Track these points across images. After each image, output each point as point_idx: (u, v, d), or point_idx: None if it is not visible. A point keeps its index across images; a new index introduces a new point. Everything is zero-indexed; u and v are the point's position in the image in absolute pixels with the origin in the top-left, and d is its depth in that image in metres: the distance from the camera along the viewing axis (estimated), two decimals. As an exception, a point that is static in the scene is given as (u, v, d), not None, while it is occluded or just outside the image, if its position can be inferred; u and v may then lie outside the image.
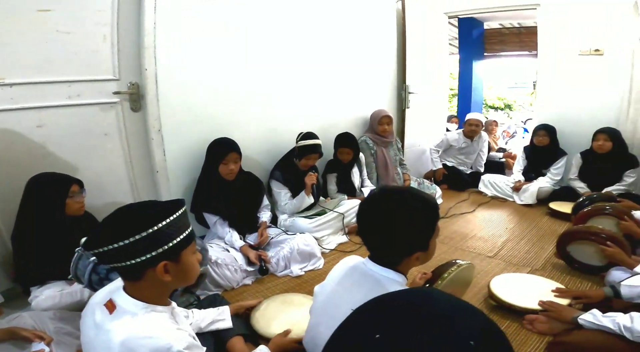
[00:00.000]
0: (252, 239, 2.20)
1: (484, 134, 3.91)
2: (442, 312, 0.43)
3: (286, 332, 1.41)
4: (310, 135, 2.47)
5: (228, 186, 2.16)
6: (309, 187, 2.43)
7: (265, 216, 2.34)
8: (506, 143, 5.17)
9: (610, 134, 2.93)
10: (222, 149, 2.12)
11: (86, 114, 1.90)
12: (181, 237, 0.85)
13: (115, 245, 0.78)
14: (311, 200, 2.49)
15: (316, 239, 2.30)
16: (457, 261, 1.43)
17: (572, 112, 3.38)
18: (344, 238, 2.52)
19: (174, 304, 0.97)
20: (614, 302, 1.53)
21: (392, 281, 1.00)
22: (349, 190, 2.84)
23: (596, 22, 3.17)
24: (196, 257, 0.92)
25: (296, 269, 2.09)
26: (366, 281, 1.02)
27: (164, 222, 0.81)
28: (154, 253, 0.81)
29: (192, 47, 2.16)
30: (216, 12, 2.25)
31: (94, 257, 1.16)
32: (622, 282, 1.49)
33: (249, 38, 2.43)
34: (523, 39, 5.59)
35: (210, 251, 1.94)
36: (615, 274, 1.74)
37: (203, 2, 2.18)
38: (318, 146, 2.45)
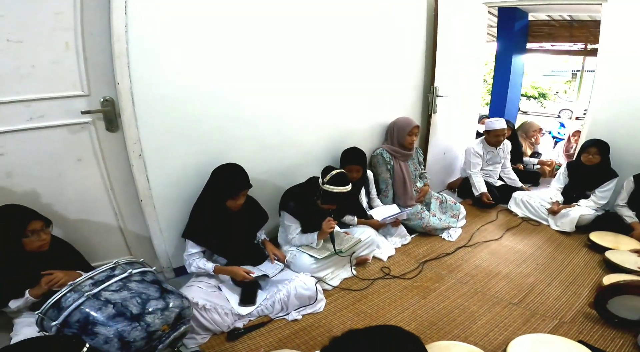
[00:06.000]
0: (258, 270, 1.96)
1: (507, 142, 3.46)
2: None
3: None
4: (340, 179, 2.07)
5: (230, 215, 1.92)
6: (325, 233, 2.12)
7: (262, 234, 2.16)
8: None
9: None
10: (236, 187, 1.86)
11: (53, 137, 1.64)
12: None
13: None
14: (320, 244, 2.18)
15: (319, 278, 2.04)
16: None
17: (630, 127, 2.85)
18: (349, 273, 2.24)
19: None
20: None
21: None
22: (357, 210, 2.52)
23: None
24: None
25: (293, 313, 1.88)
26: None
27: None
28: None
29: (174, 53, 1.79)
30: (205, 8, 1.85)
31: (55, 322, 1.23)
32: None
33: (246, 36, 2.05)
34: (574, 33, 4.84)
35: (198, 293, 1.77)
36: None
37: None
38: (347, 194, 2.11)
